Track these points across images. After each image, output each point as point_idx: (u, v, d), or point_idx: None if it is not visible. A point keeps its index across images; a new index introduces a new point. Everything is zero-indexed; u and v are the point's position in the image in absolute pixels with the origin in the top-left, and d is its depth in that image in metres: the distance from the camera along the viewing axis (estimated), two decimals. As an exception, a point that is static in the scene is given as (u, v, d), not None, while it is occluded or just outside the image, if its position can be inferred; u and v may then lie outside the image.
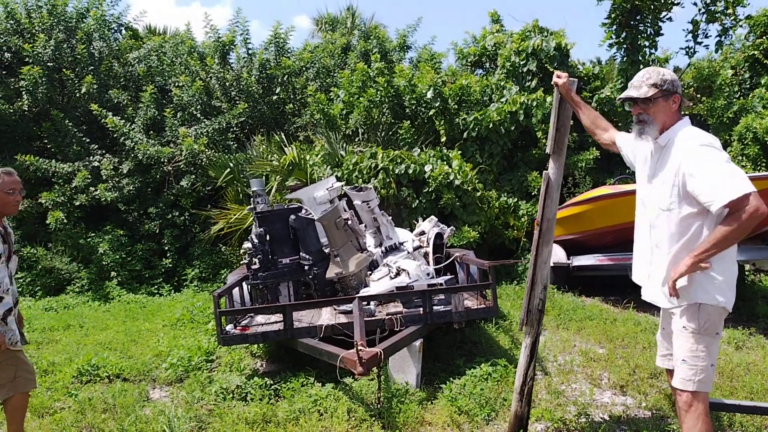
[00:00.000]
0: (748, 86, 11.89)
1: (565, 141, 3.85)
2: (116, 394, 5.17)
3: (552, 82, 3.75)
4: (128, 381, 5.70)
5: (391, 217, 7.58)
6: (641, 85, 3.24)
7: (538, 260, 3.85)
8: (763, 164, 10.44)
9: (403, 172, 9.93)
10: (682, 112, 3.29)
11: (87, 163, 11.30)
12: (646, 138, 3.28)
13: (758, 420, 4.15)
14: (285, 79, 13.53)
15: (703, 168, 2.95)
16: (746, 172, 9.97)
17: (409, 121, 11.54)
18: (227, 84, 13.10)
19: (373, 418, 4.44)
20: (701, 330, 3.06)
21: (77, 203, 10.81)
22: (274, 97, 13.39)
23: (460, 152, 11.00)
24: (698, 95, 12.30)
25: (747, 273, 8.86)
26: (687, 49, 12.55)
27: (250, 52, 14.07)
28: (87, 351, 6.46)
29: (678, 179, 3.06)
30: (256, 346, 6.34)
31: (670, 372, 3.41)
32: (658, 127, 3.23)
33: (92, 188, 10.93)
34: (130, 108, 12.01)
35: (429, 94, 11.65)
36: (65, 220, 10.55)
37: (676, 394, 3.24)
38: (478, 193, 10.39)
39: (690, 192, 3.01)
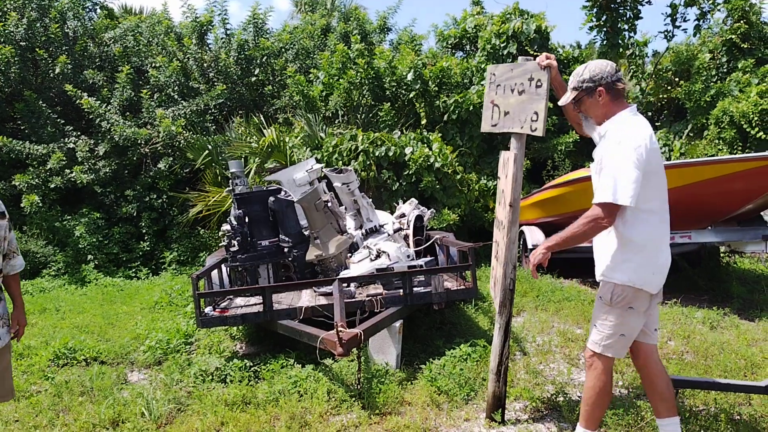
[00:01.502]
0: (725, 70, 11.98)
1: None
2: (93, 377, 5.13)
3: (544, 64, 3.67)
4: (106, 364, 5.65)
5: (371, 200, 7.56)
6: (572, 88, 3.36)
7: (508, 240, 3.85)
8: (740, 147, 10.56)
9: (383, 154, 9.90)
10: (628, 97, 3.31)
11: (62, 144, 11.10)
12: (591, 135, 3.50)
13: (732, 397, 4.23)
14: (264, 60, 13.38)
15: (607, 164, 3.11)
16: (722, 155, 10.05)
17: (389, 104, 11.49)
18: (205, 65, 12.93)
19: (353, 399, 4.45)
20: (612, 302, 3.23)
21: (52, 186, 10.63)
22: (253, 79, 13.26)
23: (440, 135, 11.00)
24: (676, 79, 12.38)
25: (722, 254, 9.00)
26: (666, 33, 12.65)
27: (228, 32, 13.90)
28: (63, 334, 6.38)
29: (599, 168, 3.21)
30: (235, 328, 6.31)
31: None
32: (594, 121, 3.37)
33: (68, 170, 10.76)
34: (106, 89, 11.79)
35: (409, 77, 11.60)
36: (40, 203, 10.37)
37: (585, 351, 3.45)
38: (458, 176, 10.41)
39: None
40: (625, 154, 3.04)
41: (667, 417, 3.39)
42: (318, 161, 9.26)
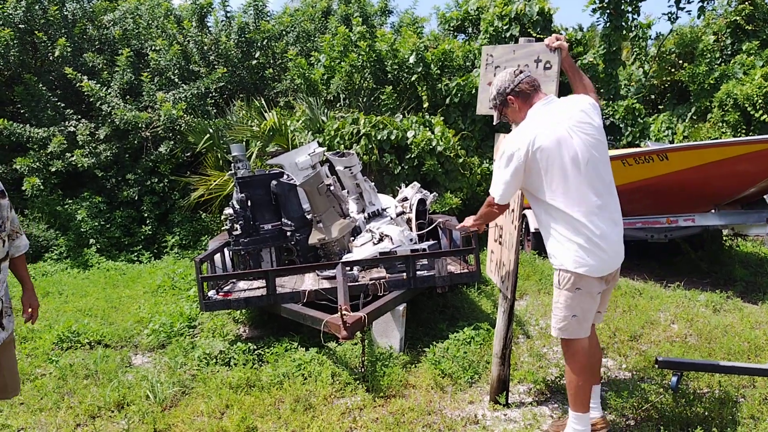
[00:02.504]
0: (729, 52, 11.90)
1: None
2: (98, 360, 5.15)
3: (555, 45, 3.65)
4: (110, 347, 5.67)
5: (373, 183, 7.53)
6: (491, 107, 3.66)
7: (517, 225, 3.84)
8: (743, 130, 10.51)
9: (385, 137, 9.85)
10: (535, 94, 3.46)
11: (62, 128, 11.03)
12: None
13: (735, 380, 4.24)
14: (264, 43, 13.28)
15: (496, 162, 3.50)
16: (726, 138, 10.00)
17: (391, 87, 11.42)
18: (205, 48, 12.82)
19: (357, 382, 4.47)
20: (560, 286, 3.39)
21: (53, 169, 10.58)
22: (254, 62, 13.16)
23: (442, 118, 10.94)
24: (680, 61, 12.30)
25: (725, 238, 8.99)
26: (669, 15, 12.57)
27: (228, 15, 13.78)
28: (67, 318, 6.39)
29: None
30: (238, 312, 6.32)
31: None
32: (520, 122, 3.52)
33: (68, 154, 10.70)
34: (106, 72, 11.70)
35: (411, 59, 11.51)
36: (41, 187, 10.33)
37: None
38: (461, 160, 10.37)
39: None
40: (502, 156, 3.37)
41: (594, 384, 3.65)
42: (320, 145, 9.22)
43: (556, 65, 3.64)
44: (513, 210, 3.79)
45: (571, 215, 3.23)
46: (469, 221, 3.82)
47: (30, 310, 3.46)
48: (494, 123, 3.67)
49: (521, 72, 3.46)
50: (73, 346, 5.67)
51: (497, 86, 3.50)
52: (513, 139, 3.36)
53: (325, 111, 11.16)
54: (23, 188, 10.26)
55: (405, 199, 7.29)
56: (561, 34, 12.42)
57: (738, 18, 11.71)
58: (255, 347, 5.21)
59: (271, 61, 13.55)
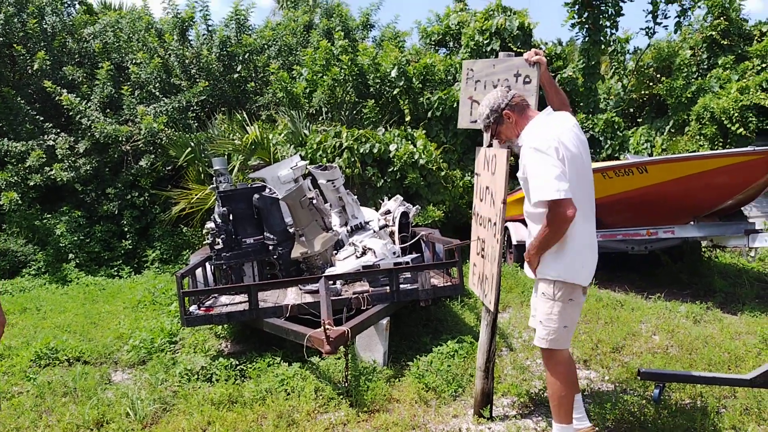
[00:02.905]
0: (705, 66, 12.10)
1: None
2: (76, 377, 5.06)
3: (534, 60, 3.70)
4: (89, 364, 5.58)
5: (356, 197, 7.54)
6: (484, 127, 3.59)
7: (499, 238, 3.83)
8: (720, 143, 10.67)
9: (367, 151, 9.87)
10: (528, 107, 3.50)
11: (41, 142, 10.92)
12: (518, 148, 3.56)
13: (717, 390, 4.27)
14: (246, 57, 13.28)
15: (530, 169, 3.26)
16: (703, 151, 10.16)
17: (373, 100, 11.46)
18: (187, 61, 12.79)
19: (341, 396, 4.43)
20: (555, 297, 3.37)
21: (32, 183, 10.46)
22: (236, 75, 13.14)
23: (424, 132, 10.99)
24: (658, 75, 12.48)
25: (704, 249, 9.09)
26: (647, 30, 12.78)
27: (210, 29, 13.76)
28: (45, 334, 6.29)
29: (523, 176, 3.39)
30: (220, 327, 6.26)
31: None
32: (514, 139, 3.53)
33: (47, 168, 10.59)
34: (86, 85, 11.62)
35: (393, 73, 11.57)
36: (19, 201, 10.20)
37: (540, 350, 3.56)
38: (443, 173, 10.41)
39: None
40: (535, 155, 3.22)
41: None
42: (302, 158, 9.21)
43: (536, 79, 3.69)
44: (495, 223, 3.79)
45: (581, 219, 3.27)
46: (528, 251, 3.47)
47: None
48: (485, 145, 3.65)
49: (510, 89, 3.52)
50: (51, 363, 5.57)
51: (490, 104, 3.48)
52: (539, 135, 3.28)
53: (308, 124, 11.16)
54: (1, 203, 10.11)
55: (388, 212, 7.30)
56: (541, 48, 12.65)
57: (714, 33, 11.93)
58: (237, 362, 5.15)
59: (253, 75, 13.54)
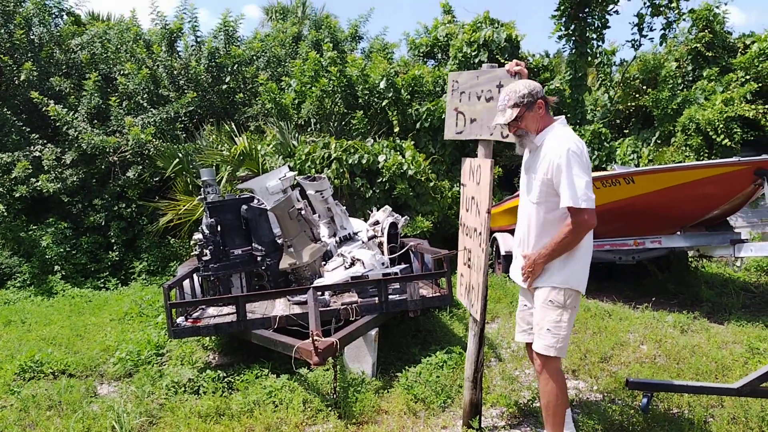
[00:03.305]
0: (690, 78, 12.24)
1: None
2: (62, 390, 5.00)
3: (515, 70, 3.74)
4: (74, 377, 5.52)
5: (344, 207, 7.53)
6: (504, 108, 3.44)
7: (485, 248, 3.83)
8: (706, 154, 10.78)
9: (356, 162, 9.88)
10: (551, 111, 3.50)
11: (27, 153, 10.84)
12: (527, 147, 3.55)
13: (704, 400, 4.29)
14: (235, 68, 13.28)
15: (565, 171, 3.22)
16: (689, 162, 10.25)
17: (362, 111, 11.49)
18: (175, 72, 12.77)
19: (329, 408, 4.41)
20: (566, 305, 3.41)
21: (17, 195, 10.37)
22: (224, 87, 13.14)
23: (413, 142, 11.03)
24: (644, 87, 12.61)
25: (691, 259, 9.15)
26: (633, 42, 12.91)
27: (198, 40, 13.75)
28: (30, 347, 6.22)
29: (547, 177, 3.33)
30: (208, 338, 6.21)
31: (530, 345, 3.67)
32: (533, 134, 3.48)
33: (33, 179, 10.51)
34: (73, 96, 11.57)
35: (382, 85, 11.62)
36: (5, 213, 10.11)
37: (537, 358, 3.52)
38: (432, 183, 10.44)
39: (556, 190, 3.31)
40: (571, 159, 3.21)
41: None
42: (291, 169, 9.20)
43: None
44: (480, 233, 3.80)
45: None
46: (543, 252, 3.41)
47: None
48: (502, 122, 3.44)
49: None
50: (35, 377, 5.50)
51: (530, 87, 3.41)
52: (575, 140, 3.30)
53: (296, 135, 11.17)
54: (-14, 214, 10.02)
55: (376, 222, 7.30)
56: (528, 60, 12.73)
57: (698, 45, 12.07)
58: (225, 375, 5.11)
59: (242, 86, 13.54)
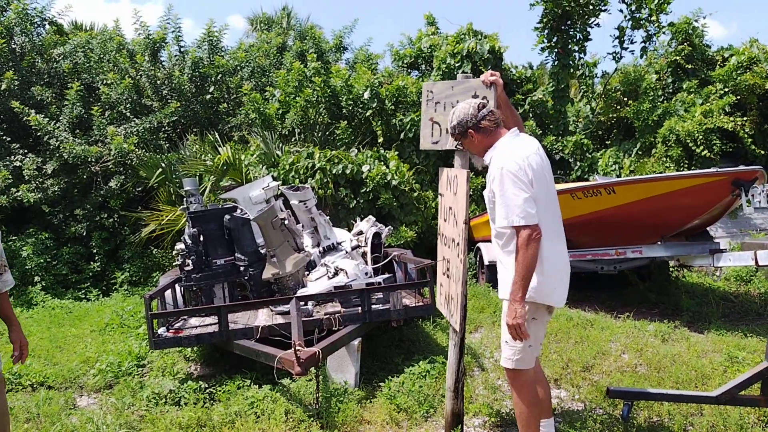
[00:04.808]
0: (671, 90, 12.40)
1: None
2: (40, 402, 4.94)
3: (490, 81, 3.75)
4: (53, 389, 5.44)
5: (328, 217, 7.53)
6: (449, 133, 3.62)
7: (463, 258, 3.84)
8: (686, 165, 10.91)
9: (340, 172, 9.89)
10: (500, 125, 3.50)
11: (8, 162, 10.72)
12: (481, 165, 3.62)
13: (684, 408, 4.32)
14: (219, 78, 13.26)
15: (499, 191, 3.24)
16: (669, 172, 10.37)
17: (346, 122, 11.52)
18: (158, 82, 12.72)
19: (312, 419, 4.39)
20: None
21: (-3, 205, 10.26)
22: (208, 96, 13.11)
23: (397, 153, 11.07)
24: (625, 99, 12.76)
25: (671, 269, 9.24)
26: (614, 54, 13.09)
27: (182, 50, 13.71)
28: (8, 359, 6.10)
29: (492, 199, 3.36)
30: (189, 349, 6.16)
31: None
32: (477, 155, 3.58)
33: (14, 189, 10.40)
34: (55, 106, 11.47)
35: (366, 95, 11.66)
36: (-16, 223, 9.99)
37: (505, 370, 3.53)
38: (415, 194, 10.47)
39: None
40: (504, 180, 3.20)
41: (546, 418, 3.66)
42: (274, 179, 9.18)
43: (492, 100, 3.74)
44: (458, 243, 3.81)
45: (550, 240, 3.28)
46: (516, 285, 3.19)
47: (20, 349, 3.37)
48: (451, 147, 3.66)
49: (484, 107, 3.48)
50: (14, 389, 5.42)
51: (458, 116, 3.48)
52: (510, 157, 3.24)
53: (280, 145, 11.16)
54: (-35, 224, 9.89)
55: (360, 232, 7.30)
56: (511, 71, 12.83)
57: (678, 58, 12.24)
58: (206, 385, 5.08)
59: (226, 96, 13.52)
